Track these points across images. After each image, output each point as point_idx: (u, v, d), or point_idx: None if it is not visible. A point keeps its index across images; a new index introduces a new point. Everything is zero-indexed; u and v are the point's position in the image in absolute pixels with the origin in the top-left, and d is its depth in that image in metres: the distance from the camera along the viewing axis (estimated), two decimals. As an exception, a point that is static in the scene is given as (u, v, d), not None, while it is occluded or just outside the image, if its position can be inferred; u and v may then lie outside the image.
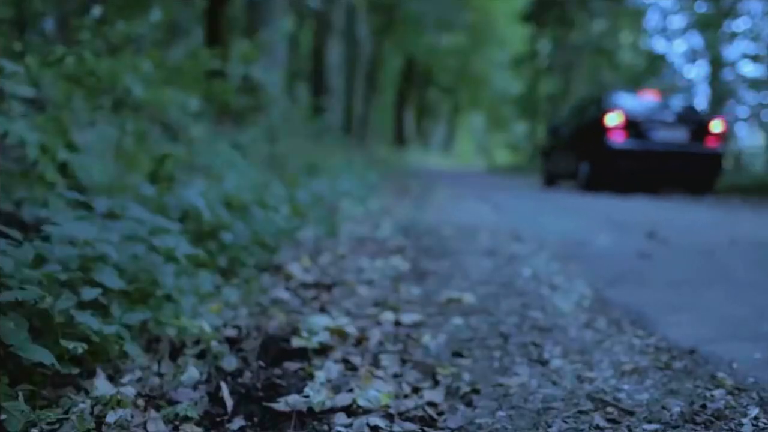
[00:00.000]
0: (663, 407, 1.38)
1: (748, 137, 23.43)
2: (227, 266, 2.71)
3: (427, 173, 17.34)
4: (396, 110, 29.05)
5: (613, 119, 8.79)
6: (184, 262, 2.18)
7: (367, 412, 1.41)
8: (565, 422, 1.34)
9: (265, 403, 1.41)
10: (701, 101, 23.07)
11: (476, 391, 1.56)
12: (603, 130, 8.83)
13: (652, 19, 22.65)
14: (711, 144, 8.92)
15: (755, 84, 19.88)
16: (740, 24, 20.25)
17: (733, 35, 20.57)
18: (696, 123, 8.96)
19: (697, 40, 21.76)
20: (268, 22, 8.83)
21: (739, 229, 4.68)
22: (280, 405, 1.40)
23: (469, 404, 1.50)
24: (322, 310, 2.24)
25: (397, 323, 2.15)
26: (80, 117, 4.25)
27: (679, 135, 8.86)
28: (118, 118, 5.07)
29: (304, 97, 15.16)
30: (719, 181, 9.13)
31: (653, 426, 1.30)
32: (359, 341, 1.91)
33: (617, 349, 1.80)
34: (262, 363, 1.67)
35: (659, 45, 22.59)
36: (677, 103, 9.96)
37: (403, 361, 1.77)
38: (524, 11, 23.78)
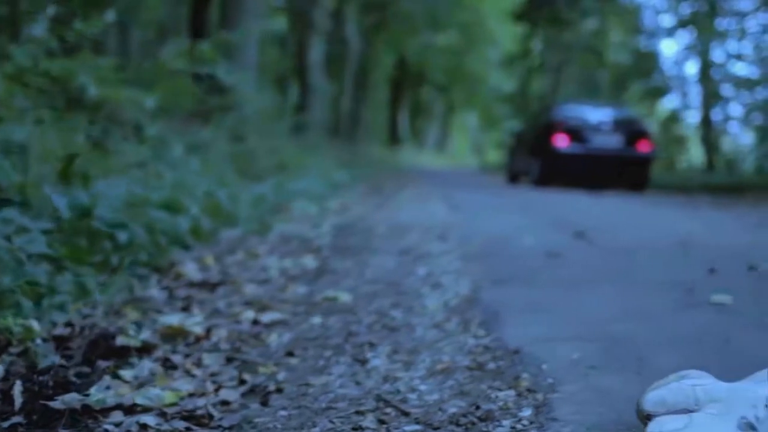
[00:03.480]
0: (440, 409, 1.37)
1: (739, 137, 23.37)
2: (119, 265, 2.71)
3: (414, 172, 17.34)
4: (390, 110, 29.02)
5: (558, 126, 10.16)
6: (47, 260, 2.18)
7: (147, 410, 1.41)
8: (332, 422, 1.33)
9: (42, 401, 1.41)
10: (693, 100, 23.05)
11: (279, 391, 1.55)
12: (550, 135, 10.14)
13: (642, 18, 22.61)
14: (643, 149, 10.17)
15: (744, 83, 19.82)
16: (729, 23, 20.19)
17: (723, 34, 20.51)
18: (631, 130, 10.31)
19: (687, 39, 21.71)
20: (239, 22, 8.82)
21: (688, 229, 4.66)
22: (57, 403, 1.39)
23: (264, 403, 1.49)
24: (185, 309, 2.23)
25: (255, 322, 2.14)
26: (26, 115, 4.26)
27: (615, 140, 10.17)
28: (70, 117, 5.08)
29: (293, 96, 15.19)
30: (650, 181, 10.40)
31: (416, 427, 1.29)
32: (197, 339, 1.90)
33: (447, 349, 1.79)
34: (79, 361, 1.66)
35: (650, 44, 22.44)
36: (616, 112, 11.23)
37: (229, 360, 1.76)
38: (516, 10, 23.74)
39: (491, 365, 1.63)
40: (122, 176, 3.94)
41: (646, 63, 21.58)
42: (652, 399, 1.12)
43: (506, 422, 1.28)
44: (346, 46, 18.76)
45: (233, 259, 3.23)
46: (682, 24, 21.52)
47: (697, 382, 1.12)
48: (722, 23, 20.74)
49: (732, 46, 20.66)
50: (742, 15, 19.38)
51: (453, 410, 1.36)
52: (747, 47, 20.03)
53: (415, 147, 30.77)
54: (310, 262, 3.25)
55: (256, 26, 9.24)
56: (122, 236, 2.77)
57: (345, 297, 2.43)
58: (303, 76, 13.55)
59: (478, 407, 1.35)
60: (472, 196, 8.03)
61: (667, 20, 22.05)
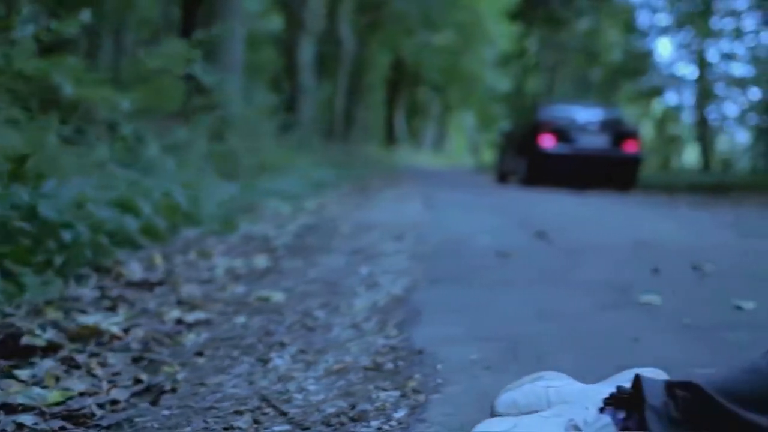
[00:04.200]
0: (318, 409, 1.37)
1: (734, 136, 23.36)
2: (62, 265, 2.71)
3: (407, 172, 17.33)
4: (386, 110, 29.01)
5: (544, 127, 10.17)
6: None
7: (28, 409, 1.41)
8: (206, 422, 1.33)
9: None
10: (688, 99, 23.04)
11: (174, 390, 1.55)
12: (536, 135, 10.14)
13: (638, 18, 22.59)
14: (630, 149, 10.17)
15: (738, 83, 19.80)
16: (725, 23, 20.16)
17: (718, 34, 20.49)
18: (617, 131, 10.30)
19: (683, 38, 21.69)
20: (223, 22, 8.82)
21: (655, 228, 4.66)
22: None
23: (153, 403, 1.49)
24: (111, 308, 2.24)
25: (179, 322, 2.14)
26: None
27: (601, 141, 10.16)
28: (43, 117, 5.08)
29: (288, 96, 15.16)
30: (637, 181, 10.38)
31: (286, 427, 1.29)
32: (111, 339, 1.91)
33: (354, 349, 1.79)
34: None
35: (645, 43, 22.42)
36: (603, 112, 11.22)
37: (136, 360, 1.76)
38: (512, 9, 23.74)
39: (389, 366, 1.63)
40: (86, 176, 3.95)
41: (641, 62, 21.57)
42: (503, 401, 1.12)
43: (375, 423, 1.28)
44: (339, 46, 18.75)
45: (184, 259, 3.23)
46: (678, 23, 21.51)
47: (551, 384, 1.12)
48: (717, 22, 20.73)
49: (727, 45, 20.66)
50: (737, 14, 19.35)
51: (331, 410, 1.36)
52: (742, 47, 20.02)
53: (412, 147, 30.77)
54: (261, 261, 3.25)
55: (240, 26, 9.22)
56: (66, 236, 2.77)
57: (278, 297, 2.43)
58: (293, 76, 13.54)
59: (353, 407, 1.35)
60: (453, 196, 8.03)
61: (662, 20, 22.05)
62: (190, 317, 2.17)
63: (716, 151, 22.83)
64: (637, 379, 0.97)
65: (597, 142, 10.20)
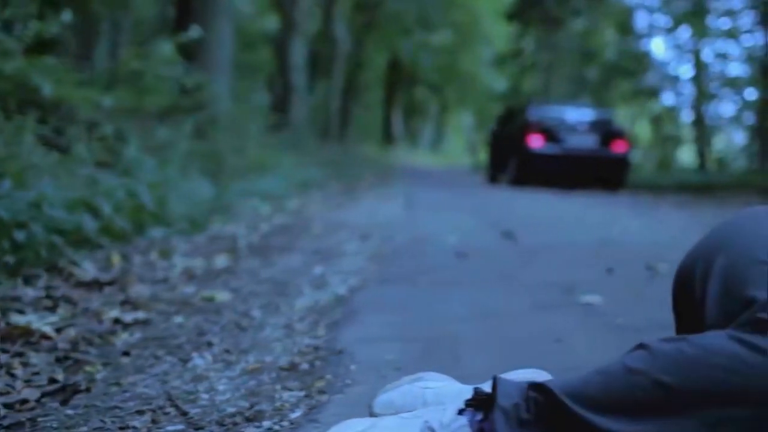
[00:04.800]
0: (218, 409, 1.38)
1: (731, 136, 23.33)
2: (15, 265, 2.71)
3: (400, 172, 17.34)
4: (384, 109, 29.02)
5: (532, 127, 10.23)
6: None
7: None
8: (103, 422, 1.33)
9: None
10: (685, 99, 23.01)
11: (88, 390, 1.56)
12: (525, 135, 10.20)
13: (634, 17, 22.56)
14: (618, 149, 10.22)
15: (734, 83, 19.77)
16: (721, 22, 20.13)
17: (715, 34, 20.46)
18: (606, 131, 10.35)
19: (679, 38, 21.67)
20: (210, 22, 8.83)
21: (625, 228, 4.66)
22: None
23: (64, 402, 1.49)
24: (51, 308, 2.24)
25: (117, 321, 2.15)
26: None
27: (590, 141, 10.21)
28: (21, 117, 5.08)
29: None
30: (626, 181, 10.45)
31: (179, 426, 1.29)
32: (41, 339, 1.91)
33: (278, 349, 1.79)
34: None
35: (641, 43, 22.40)
36: (592, 112, 11.30)
37: (59, 360, 1.77)
38: (509, 9, 23.72)
39: (305, 366, 1.63)
40: (56, 176, 3.95)
41: (637, 62, 21.55)
42: (380, 401, 1.12)
43: (267, 423, 1.28)
44: (335, 45, 18.75)
45: (143, 259, 3.23)
46: (675, 23, 21.49)
47: (429, 385, 1.12)
48: (714, 22, 20.70)
49: (723, 45, 20.63)
50: (732, 13, 19.32)
51: (230, 410, 1.36)
52: (738, 47, 20.00)
53: (409, 147, 30.79)
54: (221, 261, 3.25)
55: (228, 24, 9.22)
56: (20, 236, 2.78)
57: (223, 297, 2.44)
58: (285, 76, 13.55)
59: (251, 407, 1.36)
60: (437, 196, 8.04)
61: (658, 19, 22.02)
62: (129, 317, 2.17)
63: (713, 151, 22.81)
64: (494, 380, 0.97)
65: (585, 142, 10.23)
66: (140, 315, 2.20)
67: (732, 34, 19.18)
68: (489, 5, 26.28)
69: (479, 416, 0.96)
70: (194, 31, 7.31)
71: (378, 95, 28.64)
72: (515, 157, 10.45)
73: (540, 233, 4.23)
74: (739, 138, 23.20)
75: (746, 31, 18.74)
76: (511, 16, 23.59)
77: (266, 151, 9.81)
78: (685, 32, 21.22)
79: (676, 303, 1.26)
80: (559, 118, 10.56)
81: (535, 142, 10.13)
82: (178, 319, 2.18)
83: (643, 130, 25.01)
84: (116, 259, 3.12)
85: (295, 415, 1.32)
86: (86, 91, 6.09)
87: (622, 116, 23.57)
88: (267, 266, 3.08)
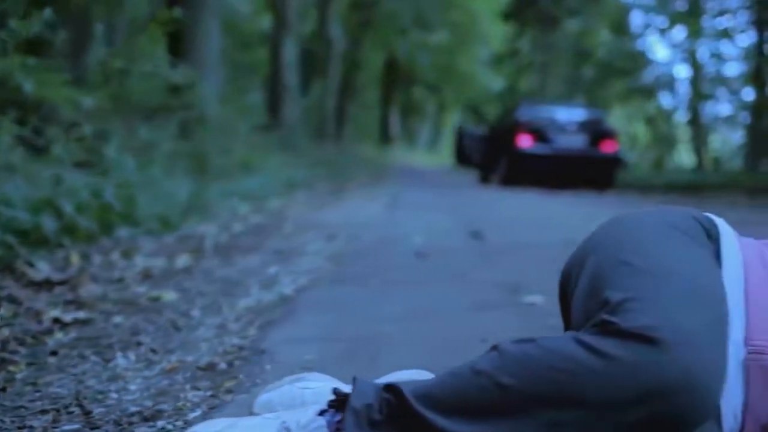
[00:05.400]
0: (121, 409, 1.38)
1: (728, 136, 23.31)
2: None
3: (394, 171, 17.35)
4: (381, 109, 29.03)
5: (522, 127, 10.23)
6: None
7: None
8: (2, 421, 1.33)
9: None
10: (681, 99, 22.99)
11: (3, 390, 1.56)
12: (514, 135, 10.22)
13: (630, 17, 22.55)
14: (607, 149, 10.25)
15: (730, 82, 19.75)
16: (717, 22, 20.11)
17: (711, 34, 20.44)
18: (595, 131, 10.34)
19: (675, 38, 21.66)
20: (197, 21, 8.84)
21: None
22: None
23: (-26, 403, 1.50)
24: (-7, 307, 2.25)
25: (56, 321, 2.15)
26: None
27: (579, 141, 10.22)
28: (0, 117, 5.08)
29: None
30: (615, 181, 10.47)
31: (75, 426, 1.30)
32: (-27, 339, 1.92)
33: (204, 349, 1.80)
34: None
35: (637, 43, 22.38)
36: (581, 112, 11.26)
37: (-13, 360, 1.77)
38: (505, 9, 23.73)
39: (223, 366, 1.64)
40: (30, 176, 3.96)
41: (633, 62, 21.53)
42: (260, 401, 1.12)
43: (161, 423, 1.28)
44: (330, 45, 18.75)
45: (104, 259, 3.23)
46: (670, 22, 21.47)
47: (309, 385, 1.13)
48: (710, 22, 20.68)
49: (718, 45, 20.61)
50: (727, 13, 19.30)
51: (133, 409, 1.37)
52: (733, 46, 19.98)
53: (407, 146, 30.78)
54: (182, 261, 3.25)
55: (214, 22, 9.21)
56: (-25, 235, 2.79)
57: (170, 296, 2.44)
58: (277, 75, 13.56)
59: (153, 407, 1.36)
60: (423, 196, 8.04)
61: (654, 19, 22.00)
62: (69, 317, 2.17)
63: (709, 151, 22.79)
64: (353, 381, 0.97)
65: (575, 142, 10.23)
66: (81, 315, 2.20)
67: (727, 34, 19.16)
68: (486, 5, 26.27)
69: (339, 417, 0.96)
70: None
71: (375, 95, 28.65)
72: (505, 157, 10.46)
73: (510, 233, 4.23)
74: (736, 138, 23.20)
75: (741, 31, 18.73)
76: (508, 15, 23.61)
77: (255, 151, 9.82)
78: (680, 32, 21.22)
79: (560, 304, 1.26)
80: (548, 118, 10.56)
81: (525, 142, 10.13)
82: (118, 318, 2.18)
83: (640, 130, 24.99)
84: (75, 259, 3.12)
85: (194, 414, 1.33)
86: (68, 91, 6.09)
87: (618, 116, 23.56)
88: (225, 266, 3.09)
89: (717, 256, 1.11)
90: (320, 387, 1.12)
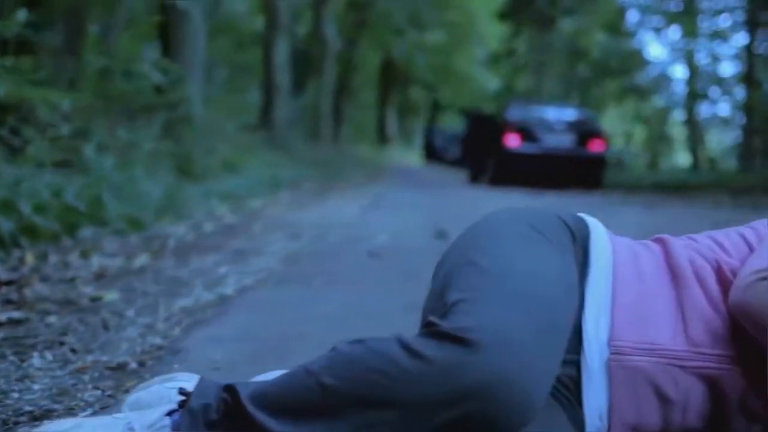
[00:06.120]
0: (14, 408, 1.38)
1: (724, 136, 23.29)
2: None
3: (387, 171, 17.36)
4: (378, 109, 29.03)
5: (509, 126, 10.22)
6: None
7: None
8: None
9: None
10: (677, 99, 22.97)
11: None
12: (502, 135, 10.20)
13: (626, 17, 22.53)
14: (595, 148, 10.22)
15: (726, 82, 19.73)
16: (712, 22, 20.10)
17: (707, 34, 20.43)
18: (583, 130, 10.33)
19: (671, 38, 21.64)
20: (182, 22, 8.84)
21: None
22: None
23: None
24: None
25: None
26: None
27: (566, 140, 10.20)
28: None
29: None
30: (603, 180, 10.45)
31: (-36, 425, 1.30)
32: None
33: (123, 348, 1.80)
34: None
35: (633, 42, 22.37)
36: (569, 112, 11.31)
37: None
38: (501, 9, 23.73)
39: (133, 366, 1.64)
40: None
41: (629, 62, 21.52)
42: (130, 400, 1.13)
43: (47, 422, 1.28)
44: (324, 45, 18.75)
45: (60, 259, 3.24)
46: (666, 22, 21.45)
47: (178, 385, 1.13)
48: (705, 22, 20.66)
49: (714, 45, 20.59)
50: (721, 12, 19.28)
51: (27, 409, 1.37)
52: (729, 47, 19.96)
53: (404, 146, 30.77)
54: (140, 261, 3.26)
55: (199, 23, 9.20)
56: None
57: (111, 297, 2.44)
58: (269, 76, 13.57)
59: (45, 406, 1.36)
60: (407, 195, 8.04)
61: (650, 19, 21.98)
62: (3, 316, 2.18)
63: (706, 150, 22.78)
64: (199, 380, 0.98)
65: (562, 141, 10.22)
66: (16, 315, 2.20)
67: (722, 35, 19.14)
68: (483, 5, 26.26)
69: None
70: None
71: (372, 95, 28.64)
72: (493, 157, 10.46)
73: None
74: (731, 138, 23.18)
75: (735, 31, 18.71)
76: (504, 15, 23.61)
77: (242, 151, 9.82)
78: (676, 32, 21.21)
79: None
80: (536, 117, 10.56)
81: (512, 141, 10.12)
82: (52, 318, 2.18)
83: (636, 130, 24.97)
84: (29, 259, 3.13)
85: (84, 414, 1.33)
86: (46, 91, 6.09)
87: (613, 116, 23.54)
88: (179, 266, 3.09)
89: (585, 256, 1.11)
90: (191, 387, 1.12)
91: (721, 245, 1.15)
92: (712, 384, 1.04)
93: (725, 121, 21.08)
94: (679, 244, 1.16)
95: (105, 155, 6.32)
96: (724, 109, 22.19)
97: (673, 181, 12.22)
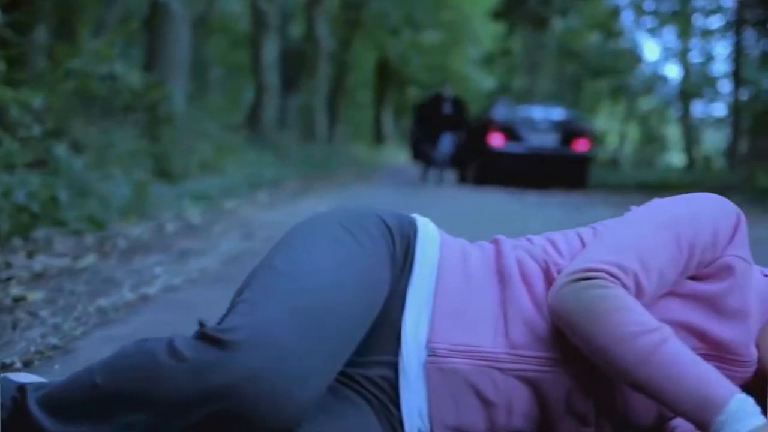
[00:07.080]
0: None
1: (719, 135, 23.26)
2: None
3: (377, 170, 17.39)
4: (374, 109, 29.04)
5: (493, 125, 10.26)
6: None
7: None
8: None
9: None
10: (672, 99, 22.95)
11: None
12: (486, 134, 10.22)
13: (620, 17, 22.51)
14: (579, 148, 10.24)
15: (719, 82, 19.70)
16: (707, 22, 20.07)
17: (702, 33, 20.41)
18: (567, 129, 10.35)
19: (665, 38, 21.62)
20: (164, 23, 8.86)
21: (537, 226, 4.64)
22: None
23: None
24: None
25: None
26: None
27: (551, 139, 10.20)
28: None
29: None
30: (587, 179, 10.50)
31: None
32: None
33: (20, 347, 1.80)
34: None
35: (627, 42, 22.35)
36: (554, 112, 11.25)
37: None
38: (495, 8, 23.71)
39: (18, 366, 1.64)
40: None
41: (622, 62, 21.50)
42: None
43: None
44: (317, 45, 18.75)
45: (3, 259, 3.24)
46: (660, 22, 21.44)
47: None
48: (700, 21, 20.63)
49: (709, 45, 20.57)
50: (719, 12, 19.25)
51: None
52: (724, 46, 19.94)
53: (400, 146, 30.74)
54: (85, 261, 3.26)
55: (183, 26, 9.21)
56: None
57: (36, 296, 2.44)
58: (257, 76, 13.58)
59: None
60: (385, 194, 8.02)
61: (644, 19, 21.97)
62: None
63: (701, 150, 22.75)
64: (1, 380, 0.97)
65: (546, 140, 10.22)
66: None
67: (715, 34, 19.11)
68: (477, 5, 26.25)
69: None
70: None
71: (368, 95, 28.65)
72: (477, 157, 10.46)
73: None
74: (724, 137, 23.16)
75: (726, 31, 18.68)
76: (498, 15, 23.59)
77: (224, 151, 9.81)
78: (670, 32, 21.19)
79: None
80: (521, 117, 10.55)
81: (496, 140, 10.12)
82: (-25, 320, 2.18)
83: (630, 129, 24.94)
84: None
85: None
86: (16, 91, 6.08)
87: (607, 115, 23.51)
88: (119, 267, 3.08)
89: (408, 257, 1.10)
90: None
91: (555, 246, 1.14)
92: (534, 386, 1.03)
93: (720, 121, 21.04)
94: (510, 245, 1.15)
95: (79, 156, 6.33)
96: (720, 108, 22.17)
97: (660, 180, 12.20)
